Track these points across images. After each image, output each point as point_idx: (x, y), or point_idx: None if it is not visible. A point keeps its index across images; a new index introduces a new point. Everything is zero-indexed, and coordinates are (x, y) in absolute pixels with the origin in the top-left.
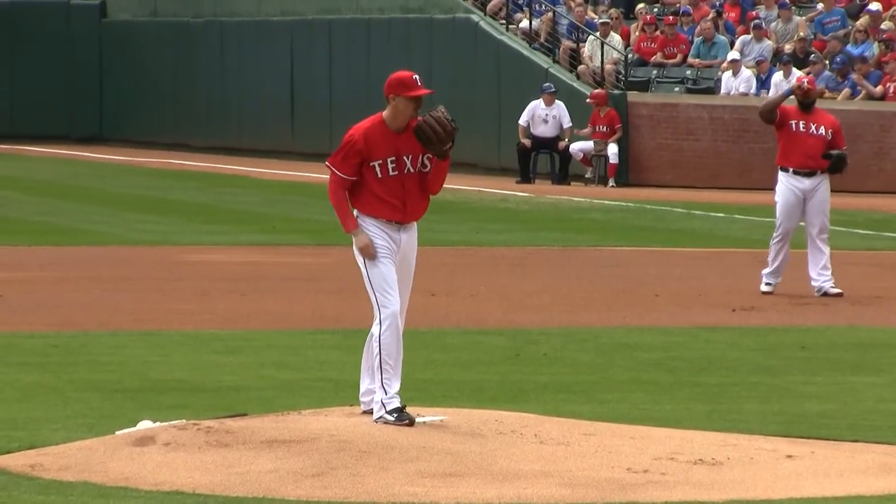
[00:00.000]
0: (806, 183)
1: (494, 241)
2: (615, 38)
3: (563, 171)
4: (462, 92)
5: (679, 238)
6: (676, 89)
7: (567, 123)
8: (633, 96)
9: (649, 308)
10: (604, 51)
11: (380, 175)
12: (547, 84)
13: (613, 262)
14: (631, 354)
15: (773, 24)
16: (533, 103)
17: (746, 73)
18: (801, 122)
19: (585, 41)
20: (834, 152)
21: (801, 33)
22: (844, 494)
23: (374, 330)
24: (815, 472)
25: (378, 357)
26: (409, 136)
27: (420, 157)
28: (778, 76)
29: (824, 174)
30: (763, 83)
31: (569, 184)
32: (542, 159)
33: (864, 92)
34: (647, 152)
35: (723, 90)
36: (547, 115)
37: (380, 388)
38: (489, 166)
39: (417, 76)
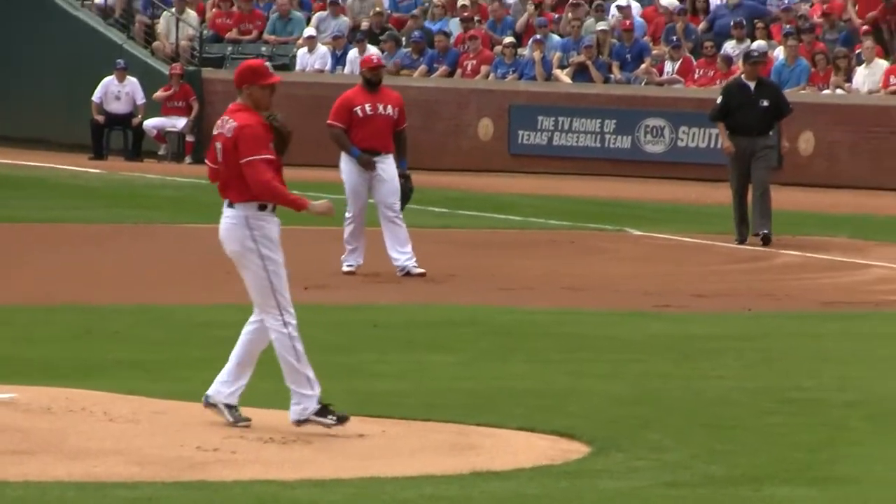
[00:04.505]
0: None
1: (68, 217)
2: (191, 14)
3: (137, 147)
4: (36, 68)
5: None
6: None
7: (140, 100)
8: (207, 73)
9: (223, 285)
10: (179, 27)
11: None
12: (118, 60)
13: (187, 238)
14: (206, 332)
15: (350, 0)
16: (106, 80)
17: (322, 49)
18: (367, 105)
19: (160, 17)
20: (405, 187)
21: (378, 8)
22: (415, 474)
23: (277, 331)
24: (386, 451)
25: (292, 358)
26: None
27: None
28: (353, 53)
29: (388, 154)
30: (339, 59)
31: (142, 160)
32: (115, 136)
33: (441, 69)
34: None
35: (298, 67)
36: (119, 91)
37: (306, 387)
38: (61, 142)
39: (268, 63)
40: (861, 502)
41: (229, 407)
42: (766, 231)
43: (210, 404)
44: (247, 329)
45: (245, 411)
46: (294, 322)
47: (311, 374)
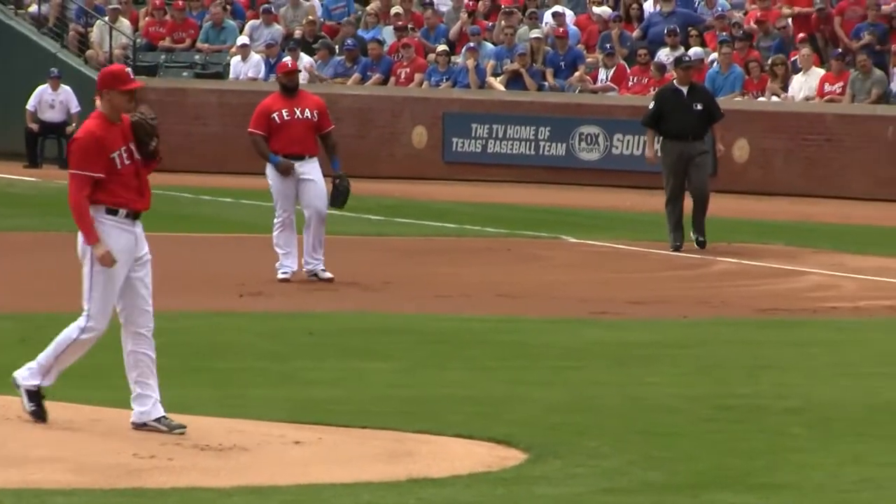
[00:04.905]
0: (298, 165)
1: (2, 225)
2: (124, 23)
3: None
4: None
5: (187, 223)
6: (185, 74)
7: (75, 108)
8: (140, 81)
9: (156, 293)
10: (112, 35)
11: (119, 166)
12: (52, 69)
13: None
14: None
15: (283, 8)
16: (40, 88)
17: (256, 57)
18: (283, 111)
19: (94, 25)
20: (341, 186)
21: (311, 17)
22: (352, 481)
23: (75, 328)
24: (322, 458)
25: (61, 348)
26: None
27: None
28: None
29: (313, 157)
30: (272, 68)
31: None
32: (49, 144)
33: (374, 77)
34: None
35: (231, 75)
36: (54, 100)
37: (47, 366)
38: None
39: (129, 69)
40: None
41: (159, 419)
42: (702, 238)
43: (140, 425)
44: (126, 351)
45: (181, 419)
46: (89, 336)
47: (55, 371)
